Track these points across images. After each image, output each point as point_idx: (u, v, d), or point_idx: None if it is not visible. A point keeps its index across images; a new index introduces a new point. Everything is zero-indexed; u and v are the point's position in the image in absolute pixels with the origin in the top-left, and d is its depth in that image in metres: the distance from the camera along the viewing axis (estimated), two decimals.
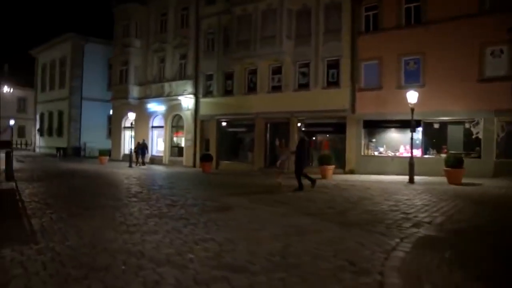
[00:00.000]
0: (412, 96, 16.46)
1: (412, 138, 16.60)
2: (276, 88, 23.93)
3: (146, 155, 27.78)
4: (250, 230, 6.49)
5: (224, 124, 26.73)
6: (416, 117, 16.90)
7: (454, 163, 15.19)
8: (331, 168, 18.37)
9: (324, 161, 18.52)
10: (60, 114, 38.68)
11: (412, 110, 16.31)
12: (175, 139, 29.86)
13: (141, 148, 27.42)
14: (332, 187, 13.77)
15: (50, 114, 40.75)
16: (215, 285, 3.93)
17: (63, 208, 8.50)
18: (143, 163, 27.04)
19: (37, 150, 42.26)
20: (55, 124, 39.74)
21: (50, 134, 40.65)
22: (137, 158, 27.06)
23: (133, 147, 27.73)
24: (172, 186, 13.50)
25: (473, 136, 18.14)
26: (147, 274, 4.23)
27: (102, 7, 42.73)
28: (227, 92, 26.28)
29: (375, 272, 4.33)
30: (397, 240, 5.82)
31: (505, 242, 5.83)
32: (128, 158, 26.74)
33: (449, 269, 4.36)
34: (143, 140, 28.44)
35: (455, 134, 19.00)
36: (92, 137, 36.22)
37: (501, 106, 17.25)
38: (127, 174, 19.55)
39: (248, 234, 6.22)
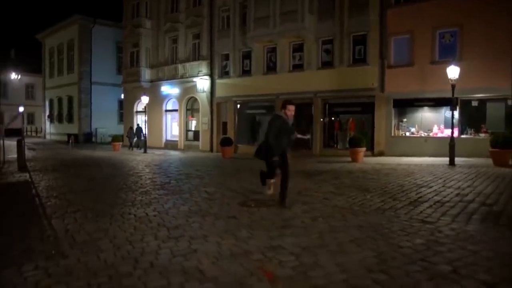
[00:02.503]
0: (453, 71, 15.08)
1: (452, 117, 15.30)
2: (298, 67, 22.58)
3: (142, 139, 26.93)
4: (320, 232, 5.37)
5: (242, 106, 25.51)
6: (451, 95, 15.58)
7: (503, 143, 13.90)
8: (362, 150, 17.16)
9: (355, 143, 17.29)
10: (70, 99, 37.66)
11: (453, 86, 14.98)
12: (190, 122, 28.72)
13: (136, 132, 27.85)
14: (373, 172, 12.58)
15: (60, 100, 39.76)
16: None
17: (86, 206, 7.45)
18: (139, 147, 27.05)
19: (48, 137, 41.41)
20: (65, 110, 38.79)
21: (60, 120, 39.73)
22: (130, 143, 27.33)
23: (146, 132, 26.72)
24: (200, 175, 12.40)
25: None
26: None
27: None
28: (245, 72, 24.97)
29: None
30: None
31: None
32: (143, 144, 25.71)
33: None
34: (138, 125, 29.06)
35: (495, 112, 17.65)
36: (103, 122, 35.30)
37: None
38: (146, 161, 18.51)
39: (321, 237, 5.10)
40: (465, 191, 8.47)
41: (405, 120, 19.82)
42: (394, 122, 19.78)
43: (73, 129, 35.95)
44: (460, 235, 5.11)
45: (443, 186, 9.18)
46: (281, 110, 6.93)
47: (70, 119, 37.78)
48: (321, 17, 21.59)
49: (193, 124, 28.48)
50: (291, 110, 6.88)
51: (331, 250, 4.56)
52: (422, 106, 19.21)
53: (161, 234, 5.41)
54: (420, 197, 7.89)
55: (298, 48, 22.58)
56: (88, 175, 12.81)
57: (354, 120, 21.13)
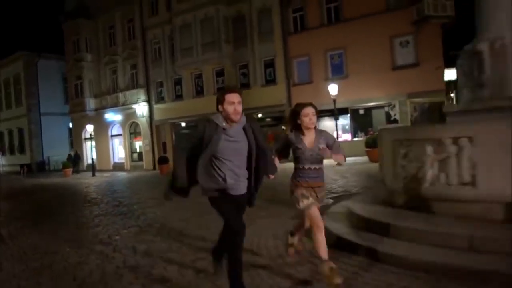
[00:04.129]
0: (333, 89, 18.89)
1: (336, 125, 19.04)
2: (221, 90, 25.90)
3: (80, 163, 29.90)
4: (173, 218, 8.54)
5: (177, 127, 28.60)
6: (343, 105, 19.40)
7: (373, 144, 17.68)
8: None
9: None
10: (20, 131, 39.40)
11: (334, 101, 18.75)
12: (134, 145, 31.48)
13: (73, 158, 30.13)
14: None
15: (10, 132, 41.36)
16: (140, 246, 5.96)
17: (29, 218, 10.32)
18: (77, 171, 29.41)
19: (1, 169, 42.79)
20: (16, 142, 40.42)
21: (12, 152, 41.29)
22: (73, 168, 29.38)
23: (95, 157, 29.27)
24: (125, 190, 15.39)
25: (392, 118, 20.77)
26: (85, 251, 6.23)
27: (52, 23, 43.29)
28: (178, 96, 28.14)
29: None
30: None
31: None
32: (91, 168, 28.23)
33: None
34: (75, 151, 31.73)
35: (378, 117, 21.59)
36: (56, 150, 37.16)
37: (412, 90, 19.90)
38: (89, 183, 21.21)
39: (167, 217, 8.27)
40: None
41: None
42: None
43: (25, 159, 37.72)
44: None
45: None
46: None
47: (22, 150, 39.49)
48: (237, 45, 25.12)
49: (137, 146, 31.25)
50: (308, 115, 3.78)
51: None
52: (322, 116, 22.91)
53: (72, 226, 8.42)
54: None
55: (220, 73, 26.02)
56: (36, 199, 15.50)
57: (272, 133, 24.61)
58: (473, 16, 5.98)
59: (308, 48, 22.70)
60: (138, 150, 31.17)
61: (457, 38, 15.68)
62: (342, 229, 5.27)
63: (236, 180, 3.38)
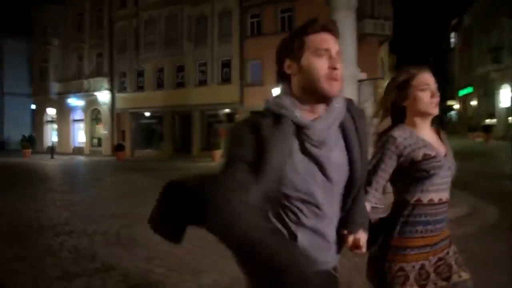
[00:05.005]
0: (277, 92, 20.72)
1: None
2: (181, 84, 27.48)
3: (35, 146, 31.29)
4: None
5: (137, 116, 29.92)
6: None
7: None
8: (219, 152, 22.34)
9: (214, 147, 22.48)
10: None
11: None
12: (94, 130, 32.58)
13: (27, 140, 31.07)
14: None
15: None
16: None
17: None
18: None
19: None
20: None
21: None
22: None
23: (55, 140, 30.28)
24: (77, 172, 16.82)
25: None
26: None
27: (21, 4, 43.48)
28: (139, 88, 29.45)
29: None
30: None
31: None
32: (50, 150, 29.19)
33: None
34: (30, 134, 32.95)
35: None
36: (17, 130, 37.69)
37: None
38: (47, 165, 22.37)
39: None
40: None
41: None
42: None
43: None
44: None
45: None
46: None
47: None
48: (197, 44, 26.67)
49: (97, 132, 32.37)
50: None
51: None
52: None
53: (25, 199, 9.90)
54: None
55: (180, 69, 27.50)
56: None
57: (224, 129, 26.31)
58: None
59: (262, 52, 24.38)
60: (98, 136, 32.28)
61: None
62: None
63: (321, 244, 1.46)
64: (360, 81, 7.33)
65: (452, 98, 47.59)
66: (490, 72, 32.02)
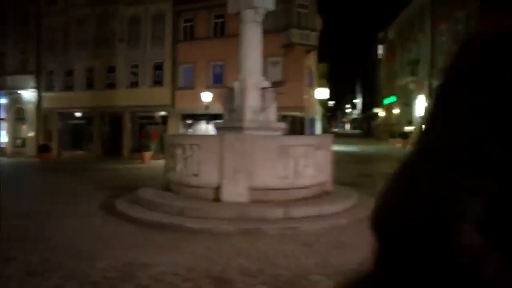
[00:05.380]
0: (206, 96, 21.24)
1: (210, 129, 21.39)
2: (111, 85, 27.10)
3: None
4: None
5: (65, 117, 29.03)
6: (220, 111, 21.66)
7: None
8: (148, 154, 22.35)
9: (143, 148, 22.49)
10: None
11: (207, 107, 21.09)
12: (19, 130, 31.10)
13: None
14: (136, 168, 17.79)
15: None
16: None
17: None
18: None
19: None
20: None
21: None
22: None
23: None
24: None
25: None
26: None
27: None
28: (68, 87, 28.59)
29: None
30: None
31: None
32: None
33: None
34: None
35: None
36: None
37: (278, 104, 22.91)
38: None
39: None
40: None
41: (190, 130, 25.68)
42: (182, 131, 25.50)
43: None
44: None
45: None
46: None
47: None
48: (130, 45, 26.47)
49: (21, 132, 30.93)
50: None
51: None
52: (202, 119, 25.24)
53: None
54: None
55: (112, 69, 27.12)
56: None
57: (156, 130, 26.35)
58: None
59: (194, 57, 24.84)
60: (22, 136, 30.86)
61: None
62: (125, 205, 7.37)
63: None
64: (263, 88, 8.02)
65: (378, 106, 50.55)
66: (409, 83, 34.67)
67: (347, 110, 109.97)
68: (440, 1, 28.93)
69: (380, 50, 50.23)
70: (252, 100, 7.77)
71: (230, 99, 8.14)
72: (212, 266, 4.39)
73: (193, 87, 24.86)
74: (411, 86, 34.86)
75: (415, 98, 34.66)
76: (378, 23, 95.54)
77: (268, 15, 23.41)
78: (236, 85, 8.09)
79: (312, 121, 28.46)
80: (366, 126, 65.68)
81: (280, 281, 3.95)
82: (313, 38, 22.89)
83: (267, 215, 6.08)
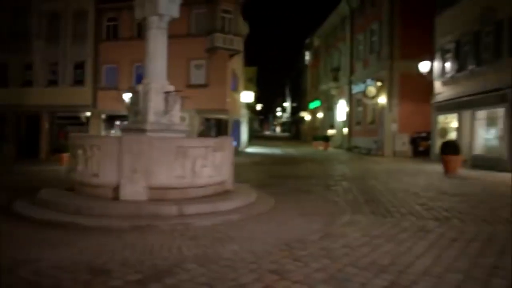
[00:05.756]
0: (127, 96, 21.02)
1: None
2: (28, 83, 25.87)
3: None
4: None
5: None
6: None
7: None
8: (65, 155, 21.59)
9: (59, 150, 21.71)
10: None
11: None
12: None
13: None
14: (51, 171, 17.22)
15: None
16: None
17: None
18: None
19: None
20: None
21: None
22: None
23: None
24: None
25: None
26: None
27: None
28: None
29: None
30: None
31: None
32: None
33: None
34: None
35: None
36: None
37: (201, 106, 23.30)
38: None
39: None
40: None
41: (113, 131, 25.24)
42: (104, 132, 25.01)
43: None
44: None
45: None
46: None
47: None
48: (49, 42, 25.47)
49: None
50: None
51: None
52: (125, 121, 24.91)
53: None
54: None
55: (28, 66, 25.90)
56: None
57: (64, 131, 25.26)
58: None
59: (118, 57, 24.49)
60: None
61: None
62: (23, 206, 7.31)
63: None
64: (166, 92, 8.36)
65: (305, 110, 52.59)
66: (331, 88, 36.59)
67: (278, 114, 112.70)
68: (358, 12, 30.91)
69: (307, 56, 52.33)
70: (155, 103, 8.08)
71: (135, 101, 8.39)
72: (96, 259, 4.65)
73: (116, 87, 24.47)
74: (333, 91, 36.80)
75: (336, 103, 36.63)
76: (306, 30, 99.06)
77: (193, 19, 23.88)
78: (140, 88, 8.36)
79: (238, 124, 29.13)
80: (295, 129, 67.94)
81: (156, 270, 4.32)
82: (237, 42, 23.51)
83: (162, 212, 6.43)
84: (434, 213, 7.25)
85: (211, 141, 8.17)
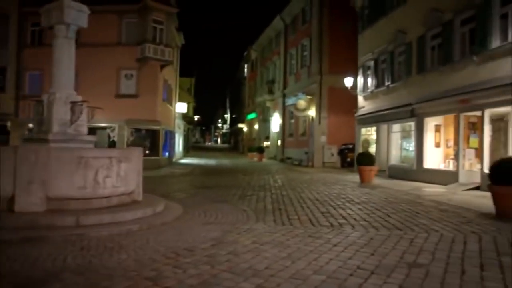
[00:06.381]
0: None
1: None
2: None
3: None
4: None
5: None
6: None
7: None
8: None
9: None
10: None
11: None
12: None
13: None
14: None
15: None
16: None
17: None
18: None
19: None
20: None
21: None
22: None
23: None
24: None
25: (111, 139, 23.35)
26: None
27: None
28: None
29: None
30: None
31: None
32: None
33: None
34: None
35: (102, 137, 23.83)
36: None
37: (130, 116, 22.91)
38: None
39: None
40: None
41: None
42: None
43: None
44: None
45: None
46: None
47: None
48: None
49: None
50: None
51: None
52: None
53: None
54: None
55: None
56: None
57: None
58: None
59: (43, 63, 23.37)
60: None
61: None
62: None
63: None
64: (73, 102, 8.24)
65: (243, 121, 53.19)
66: (266, 100, 37.38)
67: (219, 125, 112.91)
68: (291, 28, 31.98)
69: (246, 68, 53.13)
70: (60, 113, 7.94)
71: (39, 111, 8.19)
72: None
73: (41, 95, 23.39)
74: (268, 103, 37.63)
75: (271, 115, 37.45)
76: (246, 42, 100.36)
77: (124, 28, 23.51)
78: (45, 97, 8.18)
79: (171, 135, 28.91)
80: (234, 141, 68.37)
81: (29, 281, 4.25)
82: (168, 53, 23.44)
83: (57, 223, 6.30)
84: (331, 220, 7.70)
85: (115, 152, 8.15)
